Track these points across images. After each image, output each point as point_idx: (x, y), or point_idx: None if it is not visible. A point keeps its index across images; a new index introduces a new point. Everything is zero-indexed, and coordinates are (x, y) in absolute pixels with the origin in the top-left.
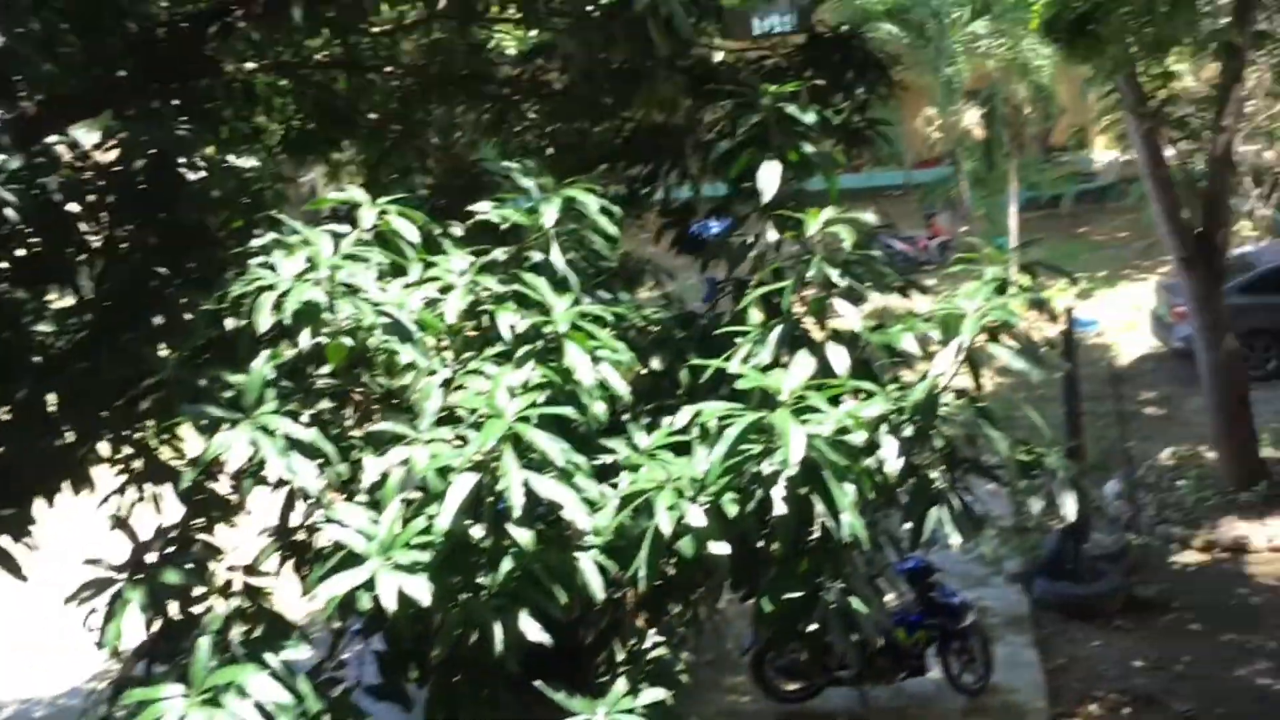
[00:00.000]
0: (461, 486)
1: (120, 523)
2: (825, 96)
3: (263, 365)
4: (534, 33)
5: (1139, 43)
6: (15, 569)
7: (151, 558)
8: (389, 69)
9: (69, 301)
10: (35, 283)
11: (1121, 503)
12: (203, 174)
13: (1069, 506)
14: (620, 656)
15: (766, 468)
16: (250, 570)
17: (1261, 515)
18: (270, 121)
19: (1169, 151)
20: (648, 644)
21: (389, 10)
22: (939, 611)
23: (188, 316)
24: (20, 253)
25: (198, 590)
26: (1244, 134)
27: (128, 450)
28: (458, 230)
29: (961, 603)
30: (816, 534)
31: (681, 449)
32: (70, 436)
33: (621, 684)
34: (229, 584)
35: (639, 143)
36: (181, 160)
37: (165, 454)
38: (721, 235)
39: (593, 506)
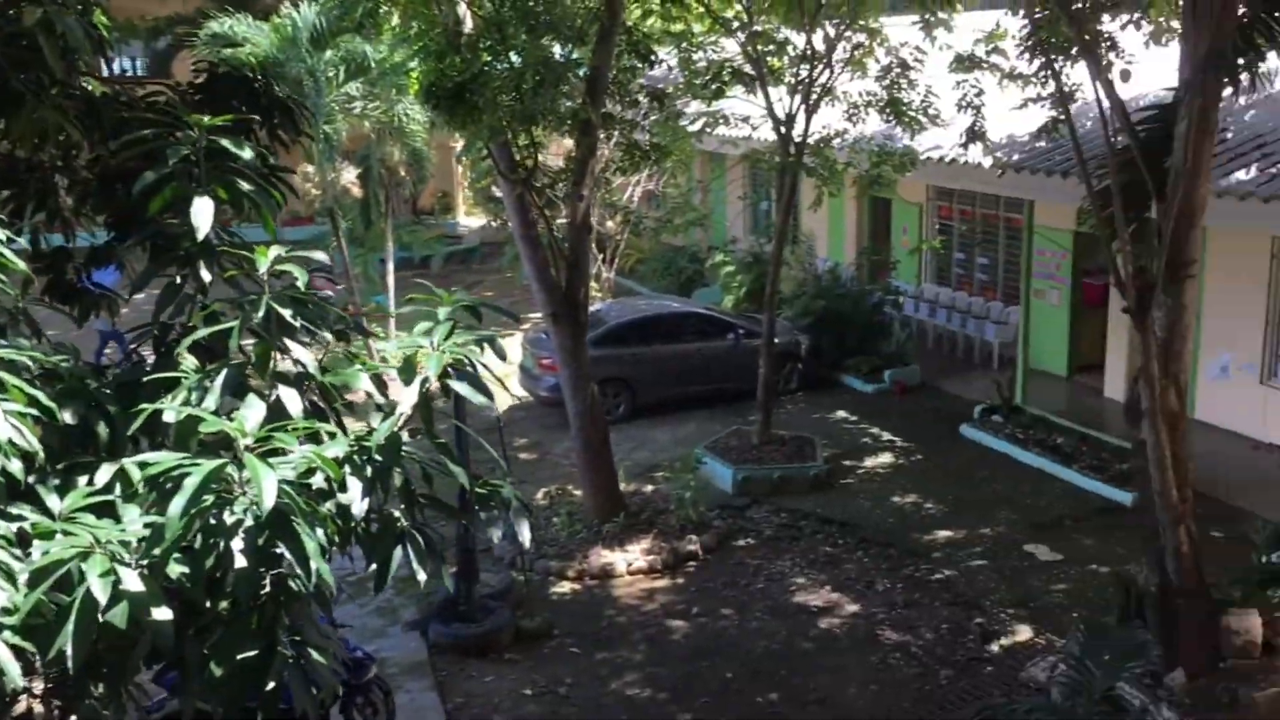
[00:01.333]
0: None
1: None
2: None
3: None
4: None
5: (510, 114)
6: None
7: None
8: None
9: None
10: None
11: (505, 542)
12: None
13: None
14: None
15: (228, 518)
16: None
17: (622, 543)
18: None
19: (538, 216)
20: None
21: None
22: (343, 668)
23: None
24: None
25: None
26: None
27: None
28: None
29: (364, 656)
30: (267, 587)
31: (103, 510)
32: None
33: None
34: None
35: None
36: None
37: None
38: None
39: (13, 582)
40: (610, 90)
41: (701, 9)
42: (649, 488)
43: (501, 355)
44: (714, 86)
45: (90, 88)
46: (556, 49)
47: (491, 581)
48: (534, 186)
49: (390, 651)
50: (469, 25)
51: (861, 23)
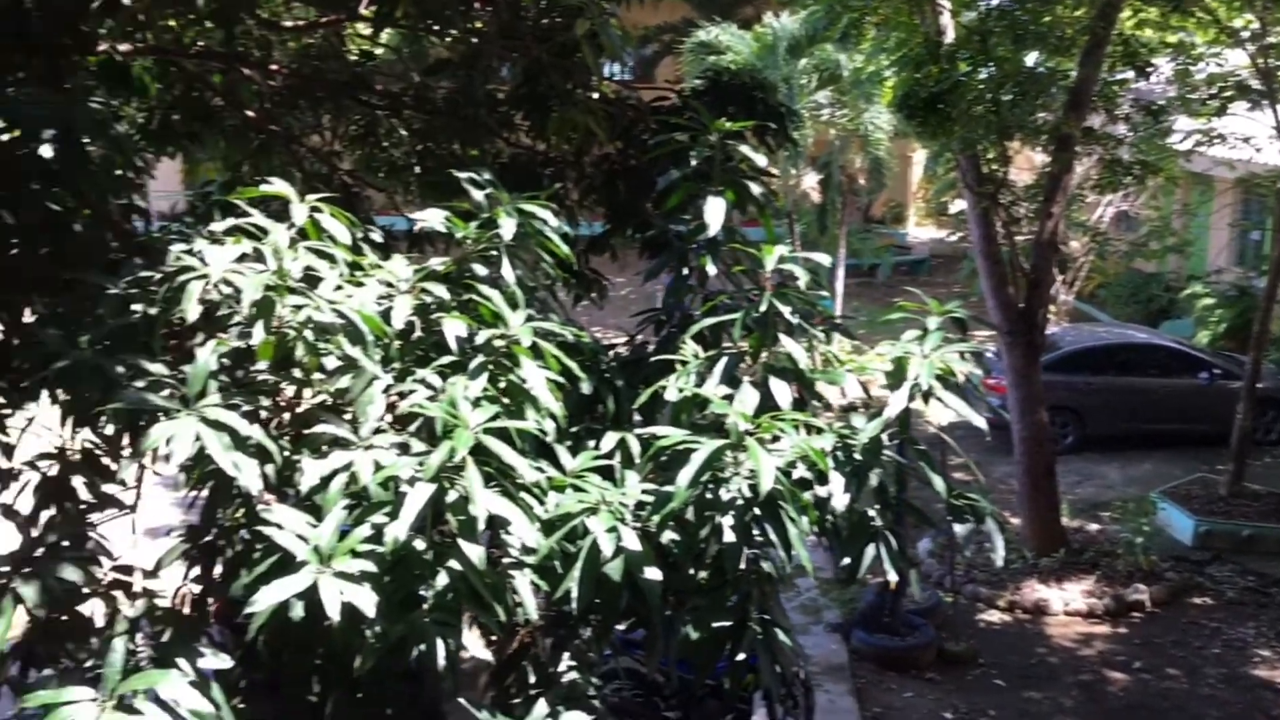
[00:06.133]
0: (419, 496)
1: (9, 512)
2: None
3: (208, 356)
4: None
5: (984, 126)
6: None
7: (39, 552)
8: (273, 67)
9: None
10: None
11: (934, 560)
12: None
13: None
14: (532, 679)
15: (724, 494)
16: (151, 573)
17: (1060, 580)
18: (128, 107)
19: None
20: (562, 667)
21: (282, 7)
22: None
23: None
24: None
25: (85, 589)
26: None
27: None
28: (377, 236)
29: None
30: (743, 565)
31: (605, 473)
32: None
33: (542, 706)
34: (118, 584)
35: (514, 170)
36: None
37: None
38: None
39: (542, 525)
40: (1093, 103)
41: (1207, 17)
42: (1094, 526)
43: (987, 371)
44: (1214, 103)
45: (605, 92)
46: (1032, 58)
47: (916, 597)
48: (1000, 201)
49: (811, 650)
50: (950, 35)
51: None
